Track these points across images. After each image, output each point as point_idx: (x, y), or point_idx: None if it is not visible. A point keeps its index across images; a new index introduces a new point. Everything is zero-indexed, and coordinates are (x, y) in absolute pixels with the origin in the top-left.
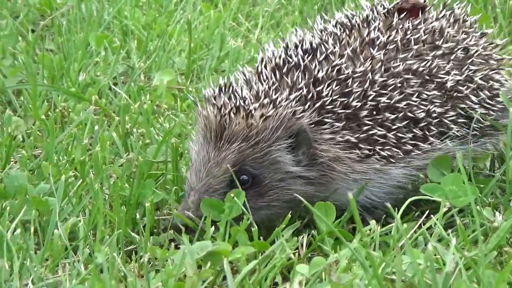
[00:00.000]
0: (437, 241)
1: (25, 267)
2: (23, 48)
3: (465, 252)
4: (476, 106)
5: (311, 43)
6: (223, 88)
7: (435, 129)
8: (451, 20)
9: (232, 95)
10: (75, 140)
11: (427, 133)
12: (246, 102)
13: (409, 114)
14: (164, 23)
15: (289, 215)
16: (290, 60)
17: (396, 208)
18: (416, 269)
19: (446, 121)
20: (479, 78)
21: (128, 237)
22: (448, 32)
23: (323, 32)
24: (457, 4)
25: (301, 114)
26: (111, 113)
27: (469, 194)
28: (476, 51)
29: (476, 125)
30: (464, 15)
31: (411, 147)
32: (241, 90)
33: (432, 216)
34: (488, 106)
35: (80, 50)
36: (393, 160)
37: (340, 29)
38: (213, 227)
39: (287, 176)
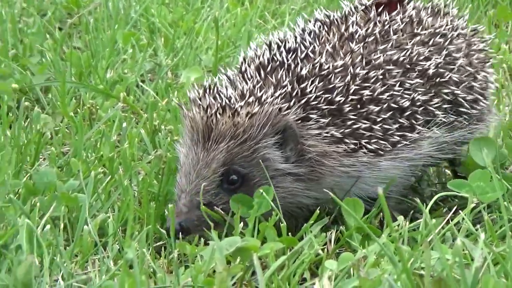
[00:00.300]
0: (464, 237)
1: (55, 263)
2: (51, 46)
3: (493, 247)
4: (459, 90)
5: (292, 42)
6: (208, 89)
7: (421, 118)
8: (430, 11)
9: (217, 95)
10: (104, 137)
11: (414, 122)
12: (232, 101)
13: (393, 104)
14: (191, 20)
15: (317, 211)
16: (274, 58)
17: (424, 204)
18: (445, 264)
19: (431, 108)
20: (462, 58)
21: (157, 233)
22: (426, 20)
23: (304, 31)
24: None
25: (287, 111)
26: (139, 110)
27: (497, 190)
28: (455, 34)
29: (462, 110)
30: (443, 7)
31: (398, 138)
32: (226, 90)
33: (460, 211)
34: (473, 90)
35: (107, 48)
36: (381, 153)
37: (319, 27)
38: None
39: (276, 173)
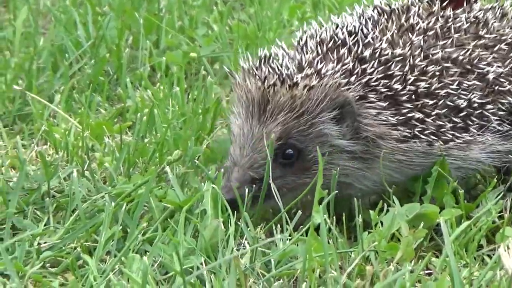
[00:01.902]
0: None
1: (239, 228)
2: (216, 18)
3: None
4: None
5: (353, 26)
6: (263, 60)
7: (476, 121)
8: (498, 14)
9: (274, 66)
10: None
11: (468, 123)
12: (290, 72)
13: (449, 102)
14: None
15: (494, 180)
16: (335, 38)
17: None
18: None
19: (486, 113)
20: None
21: None
22: (492, 24)
23: (361, 17)
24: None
25: (346, 87)
26: None
27: None
28: None
29: None
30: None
31: (450, 137)
32: (283, 61)
33: None
34: None
35: (274, 20)
36: (435, 145)
37: (378, 14)
38: None
39: (332, 150)
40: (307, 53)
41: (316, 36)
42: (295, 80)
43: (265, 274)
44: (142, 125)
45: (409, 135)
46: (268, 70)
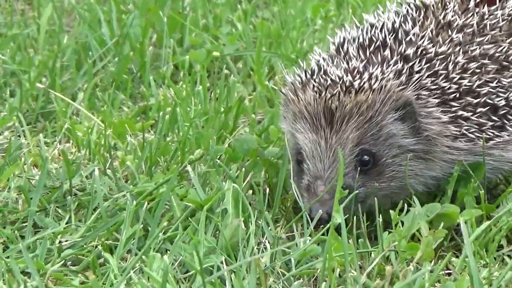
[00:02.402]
0: None
1: (259, 227)
2: (240, 17)
3: None
4: None
5: (392, 24)
6: (309, 72)
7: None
8: None
9: (325, 76)
10: None
11: (505, 122)
12: (346, 80)
13: (488, 100)
14: None
15: None
16: (373, 39)
17: None
18: None
19: None
20: None
21: None
22: None
23: (397, 14)
24: None
25: (402, 87)
26: None
27: None
28: None
29: None
30: None
31: (491, 135)
32: (331, 70)
33: None
34: None
35: (298, 19)
36: (479, 144)
37: (415, 11)
38: None
39: (400, 151)
40: (351, 59)
41: (355, 40)
42: (356, 86)
43: (285, 273)
44: (165, 123)
45: (458, 133)
46: (324, 80)
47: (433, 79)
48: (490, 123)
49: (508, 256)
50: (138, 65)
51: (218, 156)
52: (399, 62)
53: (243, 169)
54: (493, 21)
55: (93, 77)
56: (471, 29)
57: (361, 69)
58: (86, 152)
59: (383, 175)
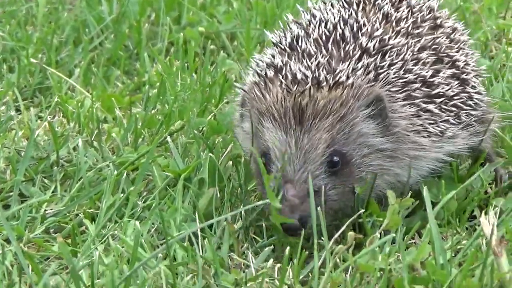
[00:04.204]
0: None
1: (234, 196)
2: None
3: None
4: (473, 93)
5: (342, 17)
6: (273, 68)
7: (453, 112)
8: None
9: (292, 73)
10: None
11: (449, 113)
12: (317, 76)
13: (441, 91)
14: None
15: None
16: (328, 33)
17: None
18: None
19: (458, 103)
20: (473, 64)
21: None
22: (442, 16)
23: (341, 9)
24: None
25: (373, 83)
26: None
27: None
28: (463, 35)
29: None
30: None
31: (444, 128)
32: (294, 66)
33: None
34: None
35: None
36: (435, 138)
37: (351, 5)
38: None
39: (370, 150)
40: (311, 55)
41: (309, 35)
42: (331, 81)
43: (259, 241)
44: (152, 97)
45: (421, 128)
46: (293, 76)
47: (395, 71)
48: (444, 115)
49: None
50: (135, 42)
51: (201, 128)
52: (362, 57)
53: (221, 139)
54: (421, 14)
55: (89, 54)
56: (410, 21)
57: (327, 65)
58: (75, 125)
59: (352, 176)
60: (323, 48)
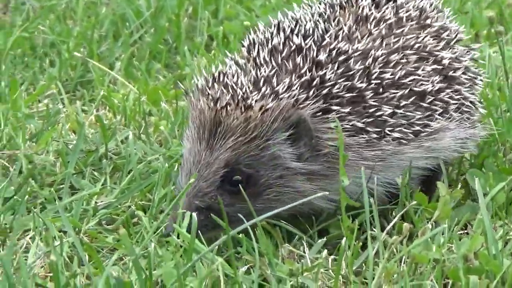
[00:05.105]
0: None
1: None
2: None
3: None
4: (464, 91)
5: (306, 25)
6: (217, 77)
7: (439, 105)
8: (433, 6)
9: (228, 84)
10: None
11: (433, 109)
12: (244, 92)
13: (415, 89)
14: None
15: None
16: (287, 43)
17: None
18: None
19: (446, 98)
20: (467, 62)
21: None
22: (435, 14)
23: (314, 14)
24: None
25: (306, 103)
26: None
27: None
28: (457, 35)
29: (465, 110)
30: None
31: (419, 128)
32: (238, 78)
33: None
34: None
35: None
36: (405, 142)
37: (330, 8)
38: None
39: (287, 172)
40: (262, 66)
41: (268, 43)
42: (249, 101)
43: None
44: None
45: (378, 135)
46: (222, 89)
47: (347, 83)
48: (419, 114)
49: None
50: (174, 36)
51: None
52: (311, 71)
53: None
54: (407, 14)
55: (129, 47)
56: (389, 22)
57: (264, 80)
58: (121, 118)
59: (262, 196)
60: (275, 59)
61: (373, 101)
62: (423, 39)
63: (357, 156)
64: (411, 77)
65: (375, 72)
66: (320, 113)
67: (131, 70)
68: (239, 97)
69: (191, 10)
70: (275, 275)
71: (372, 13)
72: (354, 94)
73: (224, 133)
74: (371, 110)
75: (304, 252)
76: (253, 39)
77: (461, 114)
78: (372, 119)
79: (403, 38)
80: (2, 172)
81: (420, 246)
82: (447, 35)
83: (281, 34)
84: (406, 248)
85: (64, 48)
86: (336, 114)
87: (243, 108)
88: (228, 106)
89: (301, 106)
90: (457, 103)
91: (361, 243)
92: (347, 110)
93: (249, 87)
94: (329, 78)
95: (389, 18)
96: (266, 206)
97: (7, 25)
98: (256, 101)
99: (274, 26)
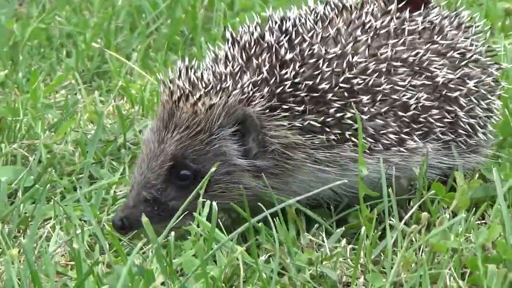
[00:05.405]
0: None
1: None
2: None
3: None
4: (462, 114)
5: (292, 23)
6: (186, 70)
7: (421, 124)
8: (455, 22)
9: (191, 79)
10: None
11: (414, 126)
12: (198, 87)
13: (395, 96)
14: None
15: None
16: (260, 41)
17: None
18: None
19: (431, 119)
20: (473, 86)
21: None
22: (448, 31)
23: (311, 12)
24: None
25: (257, 100)
26: None
27: None
28: (473, 56)
29: (461, 132)
30: (469, 20)
31: (392, 142)
32: (203, 73)
33: None
34: (476, 117)
35: None
36: (368, 151)
37: (329, 9)
38: None
39: (234, 169)
40: (230, 62)
41: (242, 39)
42: (198, 96)
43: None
44: None
45: (338, 137)
46: (183, 83)
47: (309, 82)
48: (396, 127)
49: None
50: (190, 28)
51: None
52: (272, 69)
53: None
54: (413, 27)
55: (146, 39)
56: (386, 32)
57: (225, 76)
58: (139, 108)
59: (208, 191)
60: (245, 55)
61: (338, 104)
62: (420, 53)
63: (307, 156)
64: (390, 86)
65: (346, 77)
66: (268, 110)
67: (147, 61)
68: (189, 91)
69: (207, 2)
70: (295, 264)
71: (370, 20)
72: (316, 95)
73: (174, 126)
74: (331, 111)
75: (323, 241)
76: (232, 33)
77: (454, 137)
78: (334, 121)
79: (394, 49)
80: (21, 162)
81: (438, 236)
82: (459, 54)
83: (258, 30)
84: (424, 237)
85: (81, 39)
86: (288, 112)
87: (191, 102)
88: (180, 100)
89: (252, 103)
90: (447, 126)
91: (379, 233)
92: (302, 108)
93: (206, 82)
94: (288, 78)
95: (387, 28)
96: (215, 201)
97: (24, 16)
98: (204, 96)
99: (257, 23)
